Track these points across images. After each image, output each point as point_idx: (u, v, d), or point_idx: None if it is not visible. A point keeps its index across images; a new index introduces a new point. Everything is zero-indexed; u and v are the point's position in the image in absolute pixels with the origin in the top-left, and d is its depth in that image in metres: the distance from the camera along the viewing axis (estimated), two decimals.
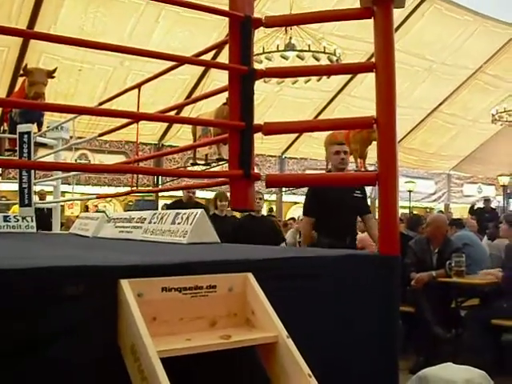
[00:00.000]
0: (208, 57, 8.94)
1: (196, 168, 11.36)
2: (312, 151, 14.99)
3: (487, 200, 14.94)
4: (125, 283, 1.63)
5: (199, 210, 2.95)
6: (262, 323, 1.83)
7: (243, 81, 2.44)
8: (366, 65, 2.65)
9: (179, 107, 7.33)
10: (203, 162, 11.41)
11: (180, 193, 8.14)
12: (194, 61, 3.18)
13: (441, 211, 16.12)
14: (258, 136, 2.58)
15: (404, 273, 5.58)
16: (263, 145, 13.99)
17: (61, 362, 1.51)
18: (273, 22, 2.70)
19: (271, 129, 2.49)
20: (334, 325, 2.14)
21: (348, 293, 2.22)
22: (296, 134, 14.66)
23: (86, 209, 13.78)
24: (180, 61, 3.04)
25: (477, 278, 5.69)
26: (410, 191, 16.16)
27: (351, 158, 9.60)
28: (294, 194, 16.08)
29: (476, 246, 6.63)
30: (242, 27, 2.49)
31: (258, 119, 2.53)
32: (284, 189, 15.75)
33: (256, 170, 2.81)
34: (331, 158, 5.31)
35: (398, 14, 12.00)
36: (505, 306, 5.34)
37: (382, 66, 2.37)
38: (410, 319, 5.60)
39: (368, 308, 2.29)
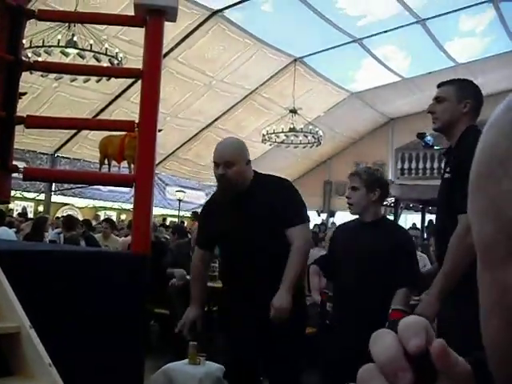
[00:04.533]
0: None
1: None
2: (86, 152, 14.66)
3: None
4: None
5: None
6: (5, 314, 1.82)
7: (8, 70, 2.40)
8: (133, 70, 2.74)
9: None
10: None
11: None
12: None
13: None
14: (30, 132, 2.55)
15: (162, 274, 5.78)
16: (35, 141, 13.39)
17: None
18: (46, 16, 2.68)
19: (34, 122, 2.47)
20: (82, 317, 2.18)
21: (98, 287, 2.28)
22: (71, 134, 14.25)
23: None
24: None
25: None
26: (179, 200, 16.49)
27: (124, 163, 9.61)
28: (63, 194, 15.61)
29: None
30: (12, 16, 2.45)
31: (33, 114, 2.49)
32: (54, 188, 15.22)
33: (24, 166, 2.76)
34: None
35: (183, 28, 12.28)
36: None
37: (149, 73, 2.48)
38: (165, 320, 5.78)
39: (118, 302, 2.37)
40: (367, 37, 13.93)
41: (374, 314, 3.12)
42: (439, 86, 3.02)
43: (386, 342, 0.44)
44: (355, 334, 2.96)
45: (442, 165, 3.28)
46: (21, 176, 2.87)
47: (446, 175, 2.87)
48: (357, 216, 3.43)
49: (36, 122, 2.56)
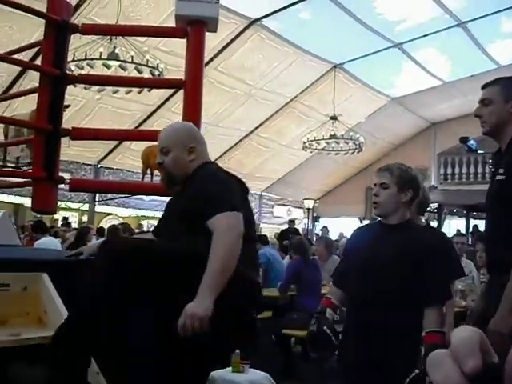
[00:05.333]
0: (27, 56, 8.61)
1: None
2: (129, 163, 14.87)
3: (291, 221, 15.85)
4: None
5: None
6: (53, 322, 1.86)
7: (54, 84, 2.45)
8: (175, 81, 2.77)
9: None
10: (14, 165, 10.85)
11: None
12: (3, 58, 3.12)
13: None
14: (74, 143, 2.60)
15: None
16: (79, 152, 13.63)
17: None
18: (89, 30, 2.74)
19: (79, 134, 2.52)
20: (124, 325, 2.21)
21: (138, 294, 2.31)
22: (113, 144, 14.45)
23: None
24: None
25: (273, 292, 6.10)
26: None
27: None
28: (107, 204, 15.82)
29: (276, 262, 7.09)
30: (58, 31, 2.50)
31: (77, 126, 2.54)
32: (97, 198, 15.45)
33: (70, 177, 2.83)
34: None
35: (222, 38, 12.37)
36: (295, 317, 5.80)
37: (191, 83, 2.51)
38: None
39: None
40: (407, 41, 13.81)
41: (395, 327, 2.71)
42: (483, 87, 2.85)
43: (447, 369, 0.41)
44: (373, 350, 2.71)
45: (487, 169, 3.09)
46: (65, 186, 2.94)
47: (499, 177, 2.66)
48: (379, 218, 2.96)
49: (80, 134, 2.61)
